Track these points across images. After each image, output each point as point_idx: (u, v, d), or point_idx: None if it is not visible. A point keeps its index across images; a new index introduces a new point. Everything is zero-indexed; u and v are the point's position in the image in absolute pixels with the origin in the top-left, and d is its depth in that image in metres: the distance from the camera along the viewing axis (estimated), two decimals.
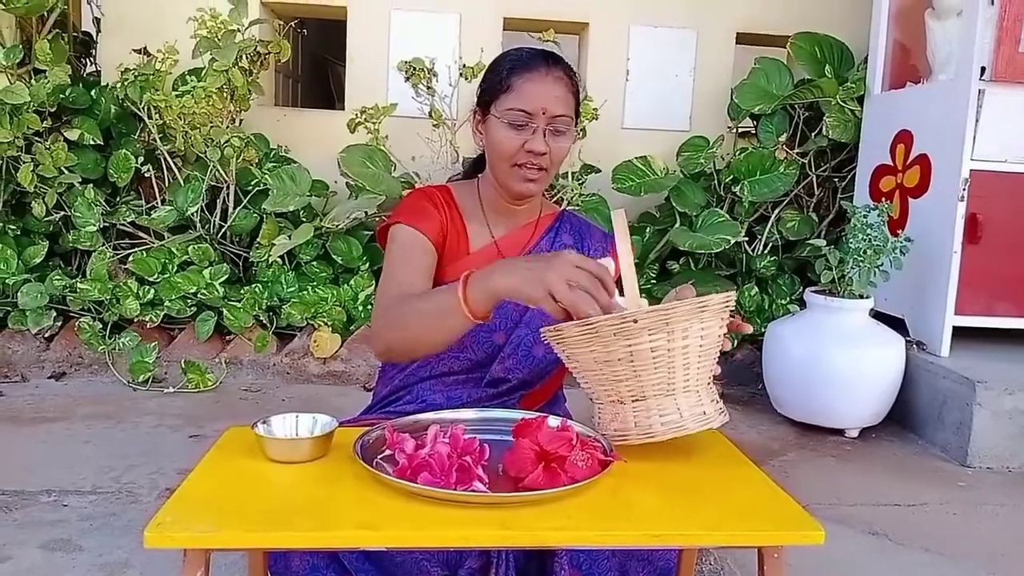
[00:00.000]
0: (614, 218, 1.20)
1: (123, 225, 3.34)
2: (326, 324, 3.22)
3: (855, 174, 3.44)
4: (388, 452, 1.14)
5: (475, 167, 1.70)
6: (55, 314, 3.21)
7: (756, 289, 3.46)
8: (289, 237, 3.20)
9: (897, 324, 2.90)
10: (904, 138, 3.08)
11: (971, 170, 2.72)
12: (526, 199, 1.59)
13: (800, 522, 1.05)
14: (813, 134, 3.51)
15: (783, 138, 3.51)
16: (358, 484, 1.08)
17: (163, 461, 2.26)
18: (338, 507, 1.04)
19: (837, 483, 2.36)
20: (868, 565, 1.81)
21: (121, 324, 3.22)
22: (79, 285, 3.15)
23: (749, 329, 1.28)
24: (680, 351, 1.14)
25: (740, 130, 3.75)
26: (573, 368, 1.21)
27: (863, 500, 2.22)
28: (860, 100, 3.38)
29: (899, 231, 2.98)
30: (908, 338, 2.85)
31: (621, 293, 1.17)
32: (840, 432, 2.75)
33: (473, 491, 1.04)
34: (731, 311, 1.18)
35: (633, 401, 1.15)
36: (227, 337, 3.28)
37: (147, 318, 3.19)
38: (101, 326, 3.17)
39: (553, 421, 1.18)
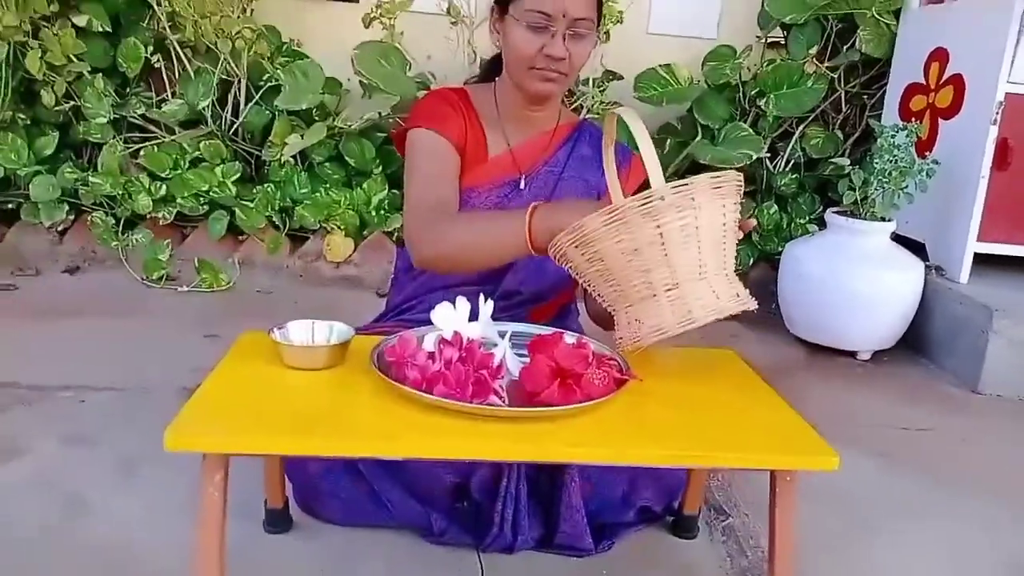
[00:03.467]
0: (625, 116, 1.15)
1: (133, 118, 3.27)
2: (339, 228, 3.19)
3: (885, 92, 3.33)
4: (404, 361, 1.13)
5: (491, 68, 1.64)
6: (67, 207, 3.19)
7: (775, 207, 3.40)
8: (302, 136, 3.14)
9: (917, 248, 2.86)
10: (939, 56, 2.96)
11: (1006, 93, 2.62)
12: (544, 101, 1.53)
13: (815, 447, 1.05)
14: (845, 47, 3.38)
15: (814, 50, 3.38)
16: (374, 394, 1.08)
17: (178, 360, 2.27)
18: (355, 416, 1.04)
19: (846, 405, 2.38)
20: (869, 487, 1.83)
21: (133, 220, 3.20)
22: (91, 179, 3.11)
23: (754, 223, 1.25)
24: (707, 228, 1.12)
25: (769, 40, 3.61)
26: (591, 279, 1.19)
27: (871, 422, 2.24)
28: (896, 14, 3.23)
29: (926, 153, 2.90)
30: (927, 263, 2.81)
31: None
32: (852, 355, 2.75)
33: (489, 405, 1.03)
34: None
35: (667, 291, 1.13)
36: (240, 237, 3.26)
37: (160, 215, 3.17)
38: (114, 221, 3.16)
39: (569, 338, 1.16)
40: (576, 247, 1.15)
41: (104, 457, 1.72)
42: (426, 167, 1.49)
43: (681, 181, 1.10)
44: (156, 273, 3.06)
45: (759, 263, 3.32)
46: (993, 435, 2.23)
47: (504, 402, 1.04)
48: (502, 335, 1.21)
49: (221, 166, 3.19)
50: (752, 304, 1.17)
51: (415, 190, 1.47)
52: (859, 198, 2.69)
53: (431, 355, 1.10)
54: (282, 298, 3.03)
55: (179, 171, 3.18)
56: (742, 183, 1.16)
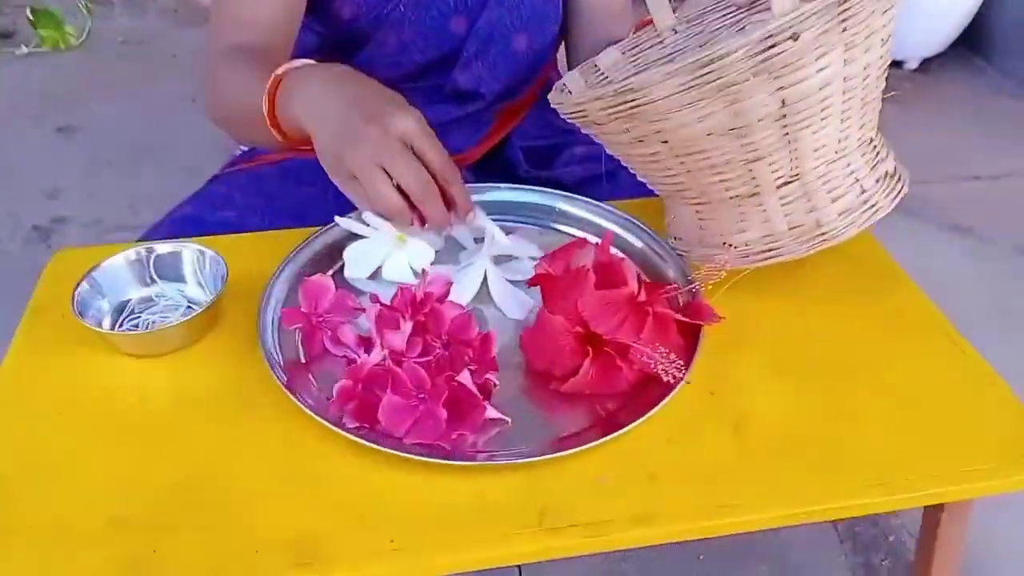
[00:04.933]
0: None
1: None
2: None
3: None
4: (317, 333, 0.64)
5: None
6: None
7: None
8: None
9: None
10: None
11: None
12: None
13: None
14: None
15: None
16: (276, 414, 0.60)
17: (25, 179, 1.70)
18: (235, 485, 0.56)
19: (900, 141, 1.89)
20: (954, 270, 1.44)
21: None
22: None
23: None
24: (861, 75, 0.62)
25: None
26: (637, 164, 0.68)
27: (934, 170, 1.76)
28: None
29: None
30: None
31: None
32: (898, 64, 2.19)
33: (490, 456, 0.56)
34: None
35: (782, 185, 0.63)
36: None
37: None
38: None
39: (587, 256, 0.66)
40: (616, 117, 0.61)
41: None
42: None
43: None
44: None
45: None
46: None
47: (508, 421, 0.58)
48: (477, 241, 0.72)
49: None
50: (904, 187, 0.68)
51: (214, 13, 0.88)
52: None
53: (361, 338, 0.61)
54: (155, 51, 2.33)
55: None
56: None
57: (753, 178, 0.63)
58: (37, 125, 1.94)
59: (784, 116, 0.60)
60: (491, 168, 1.04)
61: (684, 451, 0.57)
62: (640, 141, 0.63)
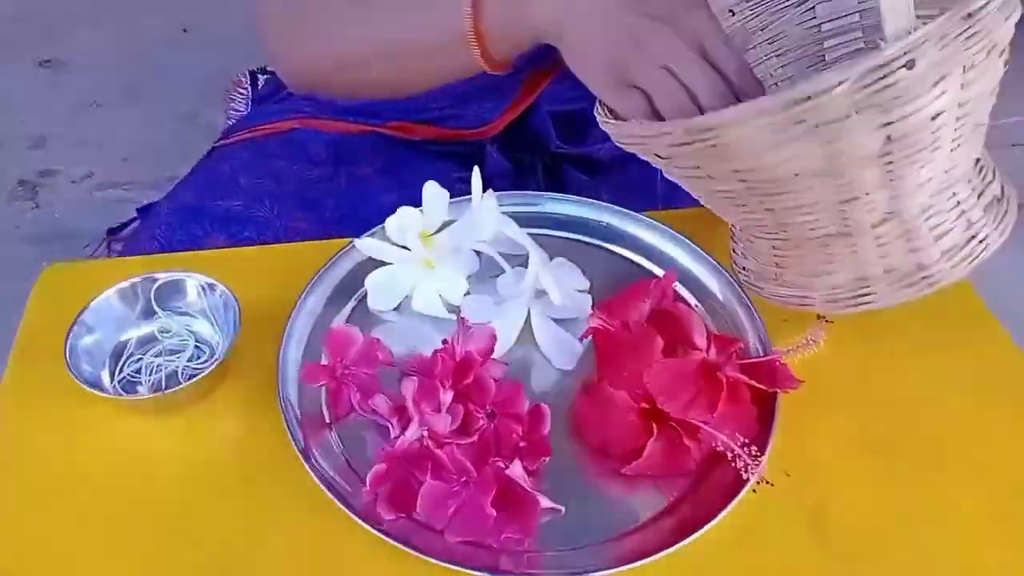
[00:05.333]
0: None
1: None
2: None
3: None
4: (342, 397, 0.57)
5: None
6: None
7: None
8: None
9: None
10: None
11: None
12: None
13: None
14: None
15: None
16: (293, 493, 0.52)
17: (6, 122, 1.59)
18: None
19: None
20: None
21: None
22: None
23: None
24: (977, 99, 0.52)
25: None
26: (705, 196, 0.59)
27: None
28: None
29: None
30: None
31: None
32: None
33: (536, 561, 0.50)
34: None
35: (878, 224, 0.55)
36: None
37: None
38: None
39: (648, 300, 0.58)
40: (683, 153, 0.52)
41: None
42: None
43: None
44: None
45: None
46: None
47: (561, 510, 0.51)
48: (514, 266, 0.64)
49: None
50: (1012, 212, 0.59)
51: None
52: None
53: (395, 408, 0.54)
54: None
55: None
56: None
57: (845, 218, 0.55)
58: (18, 58, 1.80)
59: (889, 154, 0.51)
60: (517, 143, 0.94)
61: (755, 554, 0.50)
62: (711, 178, 0.54)
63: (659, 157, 0.55)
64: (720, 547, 0.49)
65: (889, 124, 0.49)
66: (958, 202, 0.56)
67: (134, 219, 0.91)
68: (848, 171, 0.50)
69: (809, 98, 0.47)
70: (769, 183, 0.53)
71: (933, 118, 0.50)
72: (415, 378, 0.52)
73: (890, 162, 0.51)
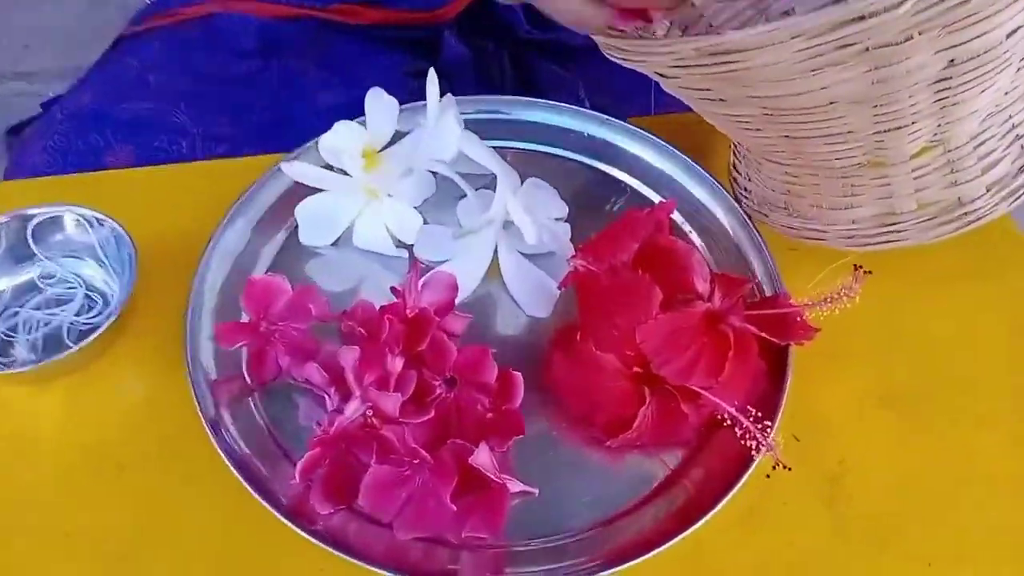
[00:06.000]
0: None
1: None
2: None
3: None
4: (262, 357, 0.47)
5: None
6: None
7: None
8: None
9: None
10: None
11: None
12: None
13: None
14: None
15: None
16: (208, 480, 0.43)
17: None
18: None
19: None
20: None
21: None
22: None
23: None
24: None
25: None
26: (727, 119, 0.48)
27: None
28: None
29: None
30: None
31: None
32: None
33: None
34: None
35: (919, 154, 0.45)
36: None
37: None
38: None
39: (637, 236, 0.47)
40: (695, 74, 0.40)
41: None
42: None
43: None
44: None
45: None
46: None
47: (535, 493, 0.42)
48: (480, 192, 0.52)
49: None
50: None
51: None
52: None
53: (330, 377, 0.43)
54: None
55: None
56: None
57: (881, 148, 0.45)
58: None
59: (947, 79, 0.41)
60: (479, 28, 0.81)
61: (763, 536, 0.43)
62: (723, 100, 0.43)
63: (661, 75, 0.44)
64: (720, 530, 0.41)
65: (955, 47, 0.39)
66: (1013, 125, 0.46)
67: (39, 115, 0.78)
68: (896, 100, 0.40)
69: (863, 17, 0.36)
70: (795, 111, 0.42)
71: (1007, 37, 0.39)
72: (355, 348, 0.41)
73: (946, 88, 0.40)
